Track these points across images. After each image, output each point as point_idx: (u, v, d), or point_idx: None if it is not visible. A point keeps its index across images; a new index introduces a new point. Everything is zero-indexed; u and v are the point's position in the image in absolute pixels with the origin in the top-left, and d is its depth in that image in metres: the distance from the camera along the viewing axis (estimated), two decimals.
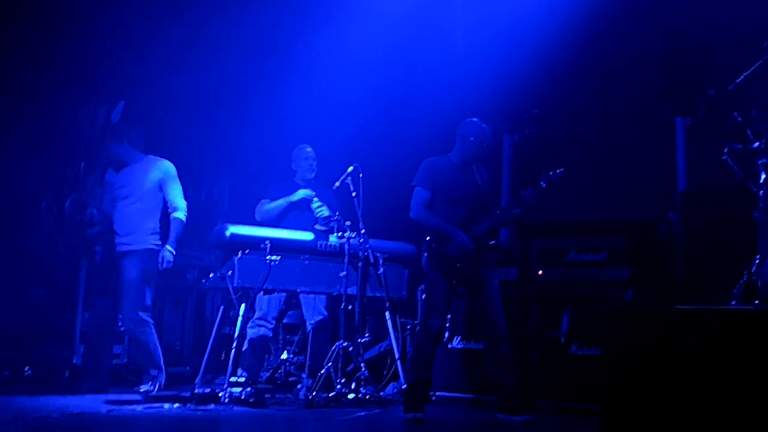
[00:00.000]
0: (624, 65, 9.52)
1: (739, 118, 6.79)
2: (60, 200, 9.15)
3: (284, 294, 8.33)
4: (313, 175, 8.59)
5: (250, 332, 8.25)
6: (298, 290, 8.05)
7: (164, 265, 8.01)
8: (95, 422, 6.35)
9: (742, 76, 6.67)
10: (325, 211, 8.25)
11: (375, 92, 10.02)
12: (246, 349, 8.21)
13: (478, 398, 7.71)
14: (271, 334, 8.46)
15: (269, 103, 10.37)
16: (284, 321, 9.25)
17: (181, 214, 8.10)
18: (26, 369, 8.58)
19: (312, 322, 8.32)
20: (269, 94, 10.36)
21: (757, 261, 6.60)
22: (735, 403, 5.44)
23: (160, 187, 8.14)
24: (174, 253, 8.05)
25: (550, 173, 6.89)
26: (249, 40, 10.23)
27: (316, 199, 8.34)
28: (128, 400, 7.45)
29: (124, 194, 8.16)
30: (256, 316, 8.31)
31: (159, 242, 8.09)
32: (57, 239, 9.02)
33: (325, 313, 8.31)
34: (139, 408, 7.11)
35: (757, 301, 6.02)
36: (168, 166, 8.25)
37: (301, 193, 8.37)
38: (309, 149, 8.66)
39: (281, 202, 8.40)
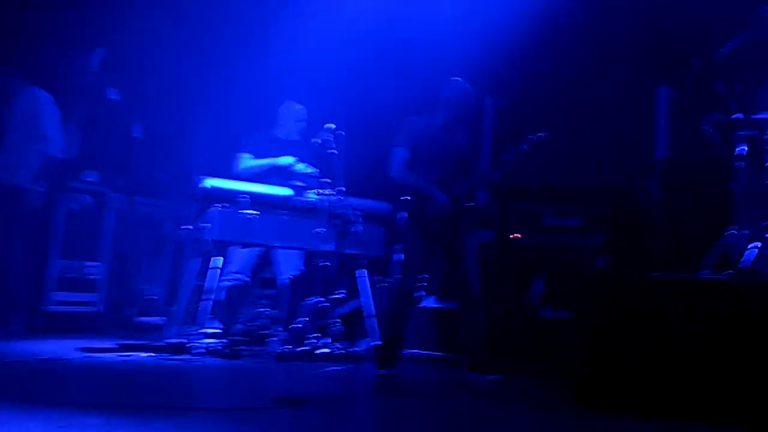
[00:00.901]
0: (609, 31, 9.47)
1: (723, 89, 6.81)
2: None
3: (261, 248, 8.32)
4: (299, 136, 8.55)
5: (226, 285, 8.26)
6: (276, 245, 8.05)
7: None
8: (68, 367, 6.36)
9: (728, 47, 6.67)
10: (305, 169, 8.22)
11: (357, 51, 9.95)
12: (221, 301, 8.22)
13: (450, 357, 7.78)
14: (245, 287, 8.47)
15: (250, 58, 10.28)
16: (260, 275, 9.26)
17: None
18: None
19: (290, 276, 8.33)
20: (250, 48, 10.28)
21: (732, 232, 6.66)
22: (706, 370, 5.52)
23: None
24: None
25: (532, 136, 6.89)
26: None
27: (298, 165, 8.29)
28: (102, 348, 7.45)
29: None
30: (231, 269, 8.30)
31: None
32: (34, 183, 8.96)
33: (303, 267, 8.31)
34: (113, 356, 7.12)
35: (731, 272, 6.06)
36: None
37: (285, 160, 8.30)
38: (299, 107, 8.60)
39: (265, 162, 8.34)
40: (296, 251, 8.24)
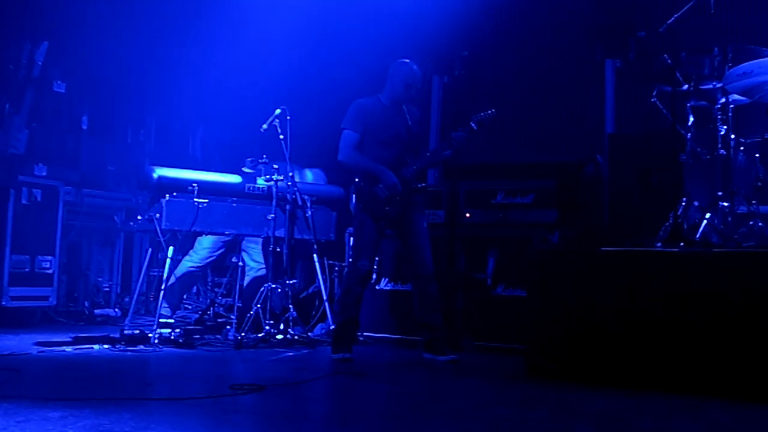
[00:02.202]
0: (555, 6, 9.49)
1: (669, 61, 6.83)
2: None
3: (226, 238, 8.33)
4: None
5: (179, 269, 8.26)
6: (226, 232, 8.05)
7: None
8: (25, 362, 6.30)
9: (673, 18, 6.68)
10: None
11: (304, 33, 9.90)
12: (172, 285, 8.21)
13: (405, 338, 7.79)
14: (198, 274, 8.48)
15: (196, 43, 10.21)
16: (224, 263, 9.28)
17: None
18: None
19: (256, 272, 8.35)
20: (196, 33, 10.20)
21: (683, 204, 6.69)
22: (658, 342, 5.57)
23: None
24: None
25: (481, 114, 6.89)
26: None
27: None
28: (58, 341, 7.41)
29: None
30: (198, 257, 8.34)
31: None
32: None
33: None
34: (69, 349, 7.09)
35: (682, 244, 6.10)
36: None
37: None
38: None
39: None
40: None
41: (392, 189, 6.81)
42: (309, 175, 8.72)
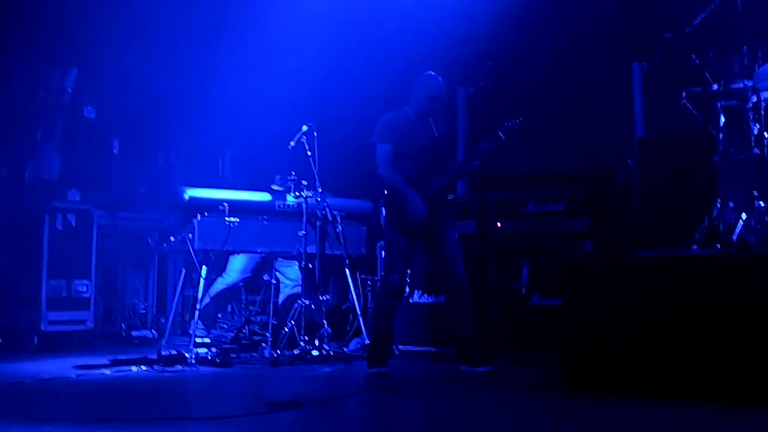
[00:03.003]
0: (578, 12, 9.43)
1: (697, 61, 6.78)
2: (18, 168, 9.10)
3: (256, 260, 8.35)
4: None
5: (212, 289, 8.30)
6: (258, 250, 8.08)
7: None
8: (65, 386, 6.36)
9: (699, 18, 6.63)
10: None
11: (329, 48, 9.91)
12: (208, 304, 8.25)
13: (440, 351, 7.76)
14: (235, 290, 8.52)
15: (226, 64, 10.26)
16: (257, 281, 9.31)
17: None
18: None
19: (291, 289, 8.37)
20: (225, 54, 10.25)
21: (718, 205, 6.61)
22: (697, 349, 5.49)
23: None
24: None
25: (508, 123, 6.88)
26: (203, 2, 10.11)
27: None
28: (96, 365, 7.45)
29: None
30: (228, 276, 8.38)
31: None
32: (17, 207, 8.98)
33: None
34: (108, 372, 7.13)
35: (718, 246, 6.03)
36: None
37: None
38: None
39: None
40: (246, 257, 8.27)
41: (417, 216, 6.80)
42: None
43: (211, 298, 8.34)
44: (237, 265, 8.56)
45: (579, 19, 9.37)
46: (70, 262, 8.91)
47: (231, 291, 8.60)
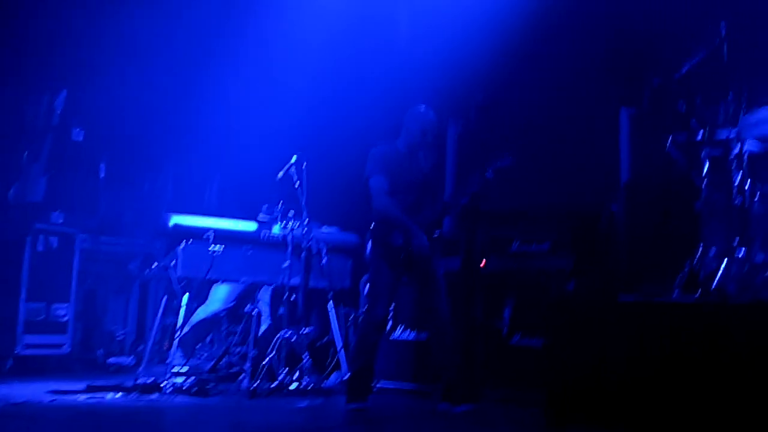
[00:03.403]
0: (569, 54, 9.50)
1: (684, 108, 6.83)
2: (3, 189, 9.08)
3: (239, 290, 8.32)
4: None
5: (193, 318, 8.27)
6: (241, 280, 8.03)
7: None
8: (38, 411, 6.36)
9: (687, 66, 6.69)
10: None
11: (318, 82, 9.96)
12: (186, 333, 8.21)
13: (421, 388, 7.73)
14: (215, 321, 8.48)
15: (213, 92, 10.29)
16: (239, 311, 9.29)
17: None
18: None
19: (270, 321, 8.35)
20: (213, 82, 10.28)
21: (699, 252, 6.65)
22: (676, 393, 5.52)
23: None
24: None
25: (497, 162, 6.90)
26: (194, 28, 10.15)
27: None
28: (71, 390, 7.39)
29: None
30: (210, 309, 8.34)
31: None
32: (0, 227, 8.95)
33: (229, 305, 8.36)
34: (82, 398, 7.10)
35: (698, 292, 6.06)
36: None
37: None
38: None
39: None
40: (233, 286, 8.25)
41: (420, 249, 6.80)
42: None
43: (192, 327, 8.29)
44: (220, 294, 8.52)
45: (570, 60, 9.43)
46: (50, 285, 8.87)
47: (212, 320, 8.55)
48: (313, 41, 10.01)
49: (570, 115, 9.37)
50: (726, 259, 6.52)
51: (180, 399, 7.17)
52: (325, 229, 8.53)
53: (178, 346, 7.80)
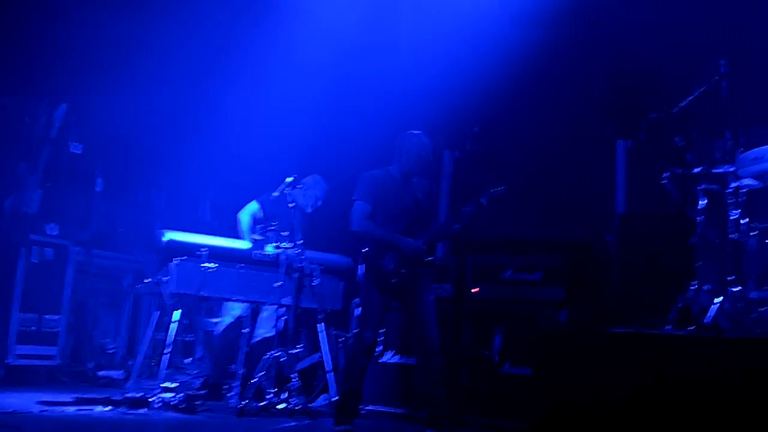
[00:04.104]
0: (567, 85, 9.55)
1: (681, 143, 6.84)
2: None
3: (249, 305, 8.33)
4: (310, 210, 8.59)
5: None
6: (233, 299, 8.04)
7: None
8: (27, 421, 6.36)
9: (686, 101, 6.71)
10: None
11: (317, 106, 10.01)
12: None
13: (408, 413, 7.71)
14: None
15: (209, 110, 10.34)
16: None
17: None
18: None
19: (262, 334, 8.33)
20: (210, 101, 10.34)
21: (693, 287, 6.65)
22: (665, 425, 5.50)
23: None
24: None
25: (491, 190, 6.90)
26: (193, 47, 10.22)
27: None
28: (60, 401, 7.42)
29: None
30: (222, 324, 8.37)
31: None
32: None
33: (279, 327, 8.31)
34: (71, 410, 7.13)
35: (691, 327, 6.06)
36: None
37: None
38: (326, 187, 8.63)
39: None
40: (274, 311, 8.21)
41: (416, 253, 6.80)
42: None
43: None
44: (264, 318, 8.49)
45: (568, 91, 9.49)
46: (43, 296, 8.91)
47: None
48: (312, 65, 10.09)
49: (567, 145, 9.42)
50: (720, 295, 6.54)
51: (168, 414, 7.18)
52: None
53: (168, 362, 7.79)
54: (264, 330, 8.37)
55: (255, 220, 8.45)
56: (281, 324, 7.76)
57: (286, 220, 8.15)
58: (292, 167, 8.08)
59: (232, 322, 8.39)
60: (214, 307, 9.02)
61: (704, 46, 8.79)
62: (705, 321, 6.37)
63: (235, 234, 8.34)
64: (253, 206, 8.49)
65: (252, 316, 8.34)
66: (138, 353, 8.19)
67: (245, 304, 8.30)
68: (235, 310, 8.41)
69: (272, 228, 7.86)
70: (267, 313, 8.35)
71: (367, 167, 7.14)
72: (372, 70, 10.12)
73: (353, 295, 8.03)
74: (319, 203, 8.44)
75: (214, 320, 8.81)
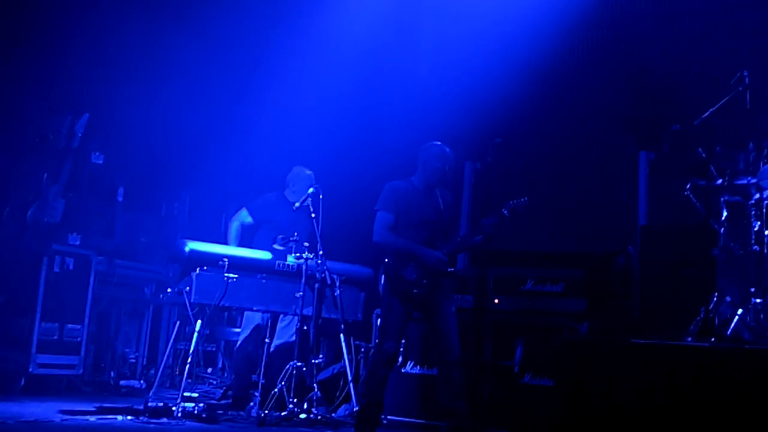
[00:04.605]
0: (589, 97, 9.56)
1: (704, 155, 6.83)
2: (22, 209, 9.14)
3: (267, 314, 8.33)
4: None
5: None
6: (254, 308, 8.04)
7: None
8: (48, 430, 6.42)
9: (708, 112, 6.70)
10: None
11: (339, 116, 10.04)
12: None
13: (429, 424, 7.69)
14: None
15: (231, 120, 10.38)
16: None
17: None
18: None
19: (282, 341, 8.35)
20: (231, 111, 10.37)
21: (714, 299, 6.62)
22: None
23: None
24: None
25: (513, 201, 6.89)
26: (213, 57, 10.27)
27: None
28: (82, 411, 7.45)
29: None
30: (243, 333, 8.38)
31: None
32: (17, 247, 9.00)
33: (294, 338, 8.30)
34: (92, 419, 7.14)
35: (713, 339, 6.03)
36: None
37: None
38: (310, 174, 8.59)
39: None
40: (292, 320, 8.20)
41: (437, 264, 6.80)
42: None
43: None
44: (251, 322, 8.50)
45: (591, 103, 9.49)
46: (65, 305, 8.91)
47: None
48: (334, 76, 10.10)
49: (589, 156, 9.40)
50: (742, 307, 6.51)
51: (189, 424, 7.16)
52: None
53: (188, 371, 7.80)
54: (282, 339, 8.38)
55: (243, 228, 8.46)
56: (301, 334, 7.73)
57: (278, 223, 8.28)
58: (312, 179, 8.11)
59: (249, 334, 8.38)
60: (237, 317, 9.02)
61: (727, 57, 8.79)
62: (727, 333, 6.36)
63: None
64: (243, 214, 8.49)
65: (270, 327, 8.35)
66: (159, 363, 8.19)
67: (265, 315, 8.31)
68: (255, 322, 8.41)
69: (294, 239, 7.85)
70: (285, 322, 8.37)
71: (389, 178, 7.15)
72: (394, 81, 10.15)
73: (374, 305, 8.02)
74: (310, 194, 8.38)
75: (236, 330, 8.81)
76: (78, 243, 9.19)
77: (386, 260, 6.95)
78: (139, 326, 10.17)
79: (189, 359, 7.78)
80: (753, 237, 6.65)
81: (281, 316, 8.31)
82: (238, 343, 8.54)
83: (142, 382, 9.58)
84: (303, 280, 7.72)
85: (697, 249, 6.95)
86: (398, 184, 7.08)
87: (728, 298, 6.74)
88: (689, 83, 8.86)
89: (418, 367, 7.99)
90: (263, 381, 7.99)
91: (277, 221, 8.37)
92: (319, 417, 7.56)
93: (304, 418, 7.50)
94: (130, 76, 9.76)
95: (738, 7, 8.95)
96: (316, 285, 7.78)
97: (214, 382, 10.15)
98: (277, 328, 8.41)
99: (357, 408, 7.42)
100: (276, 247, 8.10)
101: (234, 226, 8.46)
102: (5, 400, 7.82)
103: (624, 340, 6.19)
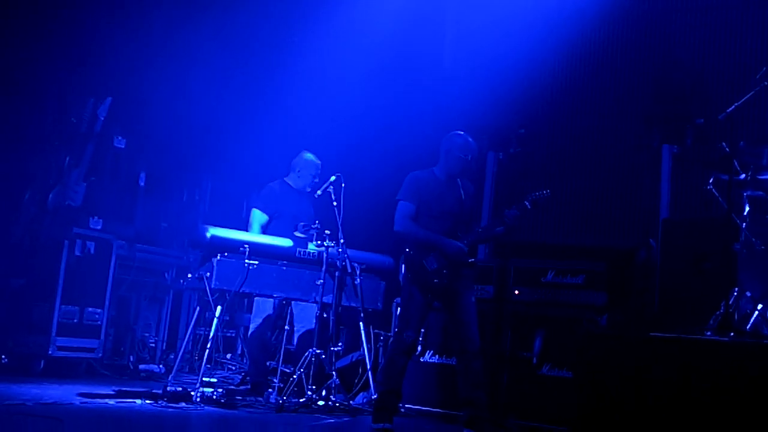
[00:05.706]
0: (613, 90, 9.53)
1: (727, 149, 6.80)
2: (43, 192, 9.18)
3: (278, 299, 8.34)
4: (310, 189, 8.55)
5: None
6: (274, 295, 8.06)
7: None
8: (68, 412, 6.42)
9: (732, 107, 6.67)
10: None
11: (362, 105, 10.03)
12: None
13: (447, 413, 7.70)
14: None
15: (254, 108, 10.39)
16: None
17: None
18: (2, 357, 8.67)
19: (305, 327, 8.37)
20: (254, 98, 10.38)
21: (735, 293, 6.61)
22: (707, 430, 5.47)
23: None
24: None
25: (536, 193, 6.87)
26: (236, 45, 10.27)
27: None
28: (101, 394, 7.51)
29: None
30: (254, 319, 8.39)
31: None
32: (38, 230, 9.05)
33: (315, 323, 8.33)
34: (111, 402, 7.20)
35: (732, 334, 6.02)
36: None
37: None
38: (317, 161, 8.62)
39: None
40: (311, 305, 8.20)
41: (458, 254, 6.80)
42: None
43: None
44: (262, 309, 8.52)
45: (614, 96, 9.45)
46: (86, 289, 8.96)
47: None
48: (357, 66, 10.08)
49: (612, 149, 9.37)
50: (761, 303, 6.49)
51: (208, 409, 7.20)
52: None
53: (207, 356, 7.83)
54: (303, 324, 8.40)
55: (261, 227, 8.45)
56: (321, 321, 7.75)
57: (289, 213, 8.30)
58: (335, 167, 8.11)
59: (261, 323, 8.38)
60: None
61: (751, 51, 8.74)
62: (746, 328, 6.35)
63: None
64: (257, 216, 8.44)
65: (281, 314, 8.38)
66: (179, 348, 8.21)
67: (276, 304, 8.34)
68: (266, 311, 8.41)
69: (315, 226, 7.86)
70: (300, 308, 8.39)
71: (411, 167, 7.14)
72: (418, 71, 10.14)
73: (394, 294, 8.03)
74: (317, 180, 8.37)
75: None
76: (99, 227, 9.23)
77: (407, 250, 6.94)
78: (159, 311, 10.20)
79: (208, 345, 7.81)
80: None
81: (293, 303, 8.34)
82: (251, 330, 8.54)
83: (161, 366, 9.64)
84: (324, 267, 7.74)
85: (719, 243, 6.90)
86: (420, 174, 7.08)
87: (748, 293, 6.72)
88: (714, 77, 8.81)
89: (437, 356, 7.99)
90: (282, 367, 8.01)
91: (285, 212, 8.37)
92: (337, 404, 7.59)
93: (322, 405, 7.52)
94: (154, 60, 9.77)
95: (764, 2, 8.89)
96: (337, 273, 7.80)
97: (233, 368, 10.19)
98: (296, 313, 8.43)
99: (375, 396, 7.44)
100: (297, 234, 8.10)
101: (256, 230, 8.43)
102: (25, 382, 7.88)
103: (643, 333, 6.18)
